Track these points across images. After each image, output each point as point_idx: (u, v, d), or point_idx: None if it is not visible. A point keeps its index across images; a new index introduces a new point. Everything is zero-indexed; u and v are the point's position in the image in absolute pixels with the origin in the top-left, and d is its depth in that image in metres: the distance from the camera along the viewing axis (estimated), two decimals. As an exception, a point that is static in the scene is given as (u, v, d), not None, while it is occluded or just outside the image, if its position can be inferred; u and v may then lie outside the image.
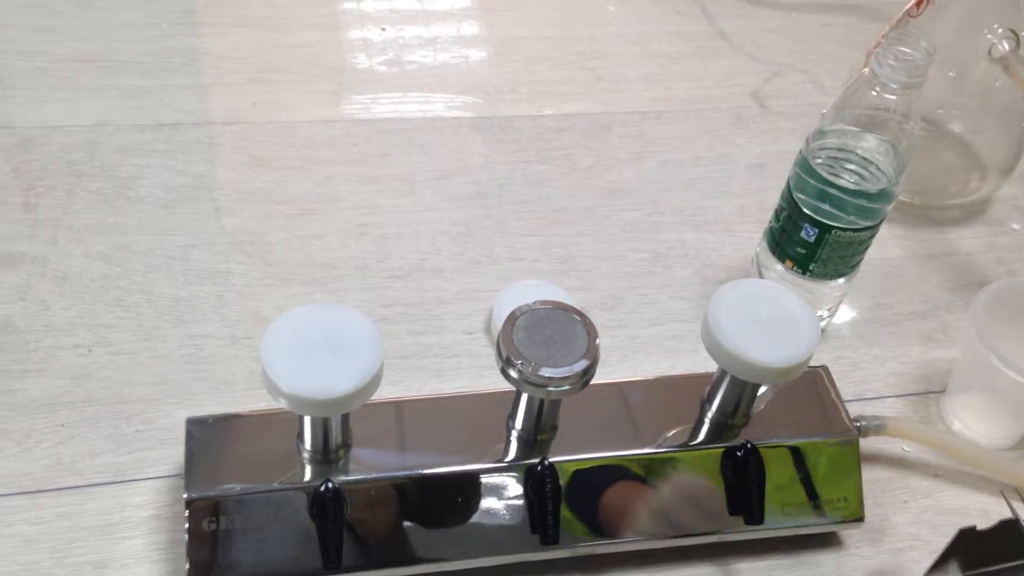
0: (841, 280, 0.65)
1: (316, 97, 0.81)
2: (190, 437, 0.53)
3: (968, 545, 0.54)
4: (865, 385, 0.67)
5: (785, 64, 0.91)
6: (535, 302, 0.52)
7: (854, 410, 0.61)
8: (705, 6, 0.96)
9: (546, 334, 0.51)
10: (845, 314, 0.71)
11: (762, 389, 0.58)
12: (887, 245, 0.76)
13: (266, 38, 0.85)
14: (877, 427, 0.60)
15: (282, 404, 0.48)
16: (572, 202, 0.77)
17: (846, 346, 0.69)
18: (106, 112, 0.76)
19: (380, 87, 0.83)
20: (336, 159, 0.77)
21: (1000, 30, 0.69)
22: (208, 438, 0.53)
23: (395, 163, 0.77)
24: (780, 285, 0.56)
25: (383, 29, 0.88)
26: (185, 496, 0.50)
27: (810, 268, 0.63)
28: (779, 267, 0.65)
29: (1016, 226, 0.79)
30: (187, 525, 0.50)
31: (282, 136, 0.77)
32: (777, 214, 0.64)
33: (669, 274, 0.72)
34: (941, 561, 0.56)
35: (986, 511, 0.60)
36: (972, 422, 0.64)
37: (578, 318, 0.51)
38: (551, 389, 0.50)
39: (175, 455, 0.56)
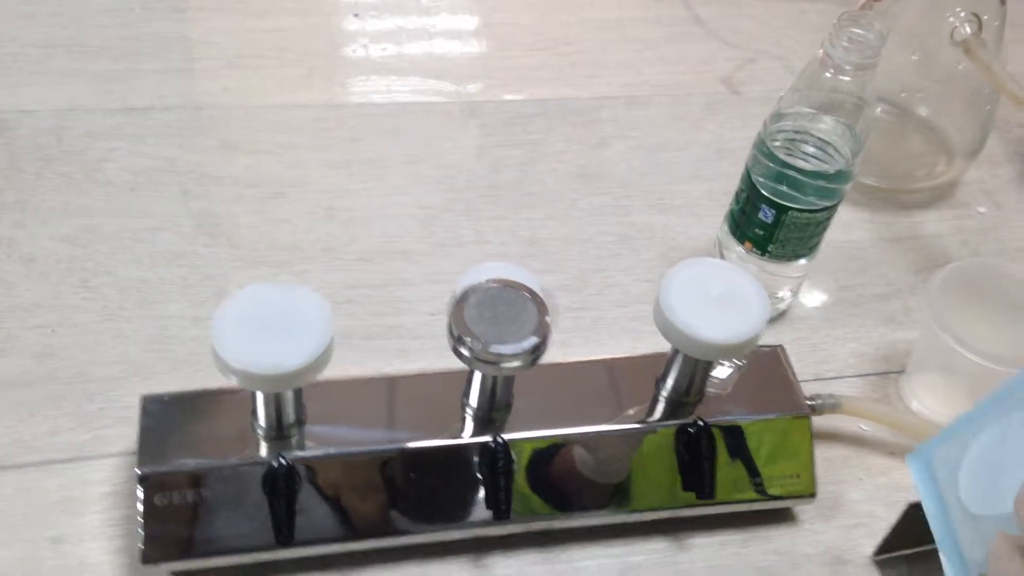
0: (802, 261, 0.65)
1: (289, 82, 0.82)
2: (145, 413, 0.53)
3: (918, 520, 0.55)
4: (826, 365, 0.67)
5: (760, 50, 0.91)
6: (486, 281, 0.52)
7: (814, 389, 0.61)
8: (683, -8, 0.96)
9: (497, 312, 0.51)
10: (808, 295, 0.71)
11: (727, 371, 0.59)
12: (853, 228, 0.76)
13: (240, 23, 0.86)
14: (832, 406, 0.60)
15: (232, 381, 0.48)
16: (541, 186, 0.77)
17: (808, 327, 0.70)
18: (77, 97, 0.77)
19: (353, 73, 0.84)
20: (307, 144, 0.77)
21: (963, 13, 0.69)
22: (163, 415, 0.53)
23: (366, 148, 0.78)
24: (730, 264, 0.57)
25: (356, 15, 0.88)
26: (138, 471, 0.51)
27: (768, 249, 0.64)
28: (739, 249, 0.65)
29: (982, 209, 0.79)
30: (140, 500, 0.51)
31: (253, 121, 0.78)
32: (737, 196, 0.65)
33: (635, 257, 0.73)
34: (892, 536, 0.57)
35: (942, 490, 0.61)
36: (930, 402, 0.64)
37: (528, 296, 0.52)
38: (502, 366, 0.51)
39: (136, 433, 0.56)
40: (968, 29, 0.68)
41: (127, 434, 0.58)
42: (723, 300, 0.53)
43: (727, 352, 0.53)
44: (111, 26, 0.83)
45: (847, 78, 0.58)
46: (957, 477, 0.46)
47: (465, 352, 0.51)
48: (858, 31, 0.57)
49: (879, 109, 0.78)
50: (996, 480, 0.45)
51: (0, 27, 0.82)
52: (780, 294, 0.68)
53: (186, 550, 0.52)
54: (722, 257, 0.68)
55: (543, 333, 0.51)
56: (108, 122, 0.75)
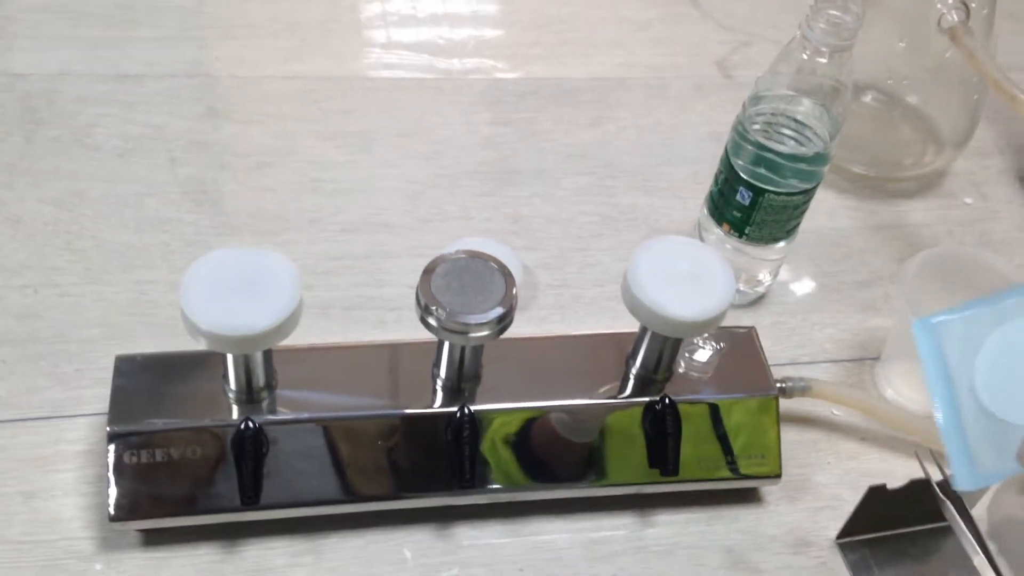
0: (780, 244, 0.65)
1: (280, 53, 0.82)
2: (118, 373, 0.54)
3: (880, 504, 0.55)
4: (801, 350, 0.68)
5: (754, 34, 0.91)
6: (454, 251, 0.53)
7: (787, 373, 0.61)
8: (680, -28, 0.96)
9: (464, 282, 0.52)
10: (788, 280, 0.72)
11: (708, 353, 0.59)
12: (837, 215, 0.76)
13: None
14: (803, 388, 0.60)
15: (201, 344, 0.49)
16: (529, 164, 0.77)
17: (787, 311, 0.70)
18: (69, 62, 0.78)
19: (345, 46, 0.84)
20: (296, 115, 0.78)
21: (951, 0, 0.69)
22: (137, 375, 0.54)
23: (355, 120, 0.78)
24: (698, 242, 0.57)
25: (352, -11, 0.89)
26: (108, 429, 0.52)
27: (746, 231, 0.64)
28: (718, 230, 0.66)
29: (969, 200, 0.79)
30: (110, 458, 0.52)
31: (243, 90, 0.78)
32: (716, 178, 0.65)
33: (617, 237, 0.73)
34: (854, 519, 0.57)
35: (911, 475, 0.61)
36: (904, 389, 0.65)
37: (496, 267, 0.52)
38: (469, 335, 0.51)
39: (110, 393, 0.57)
40: (955, 16, 0.68)
41: (103, 395, 0.58)
42: (690, 278, 0.53)
43: (693, 329, 0.53)
44: (107, -7, 0.84)
45: (824, 60, 0.58)
46: (974, 362, 0.44)
47: (432, 321, 0.51)
48: (835, 13, 0.57)
49: (869, 97, 0.78)
50: (1012, 384, 0.43)
51: (-3, -9, 0.83)
52: (760, 277, 0.68)
53: (154, 509, 0.52)
54: (701, 239, 0.68)
55: (509, 303, 0.51)
56: (99, 88, 0.76)
